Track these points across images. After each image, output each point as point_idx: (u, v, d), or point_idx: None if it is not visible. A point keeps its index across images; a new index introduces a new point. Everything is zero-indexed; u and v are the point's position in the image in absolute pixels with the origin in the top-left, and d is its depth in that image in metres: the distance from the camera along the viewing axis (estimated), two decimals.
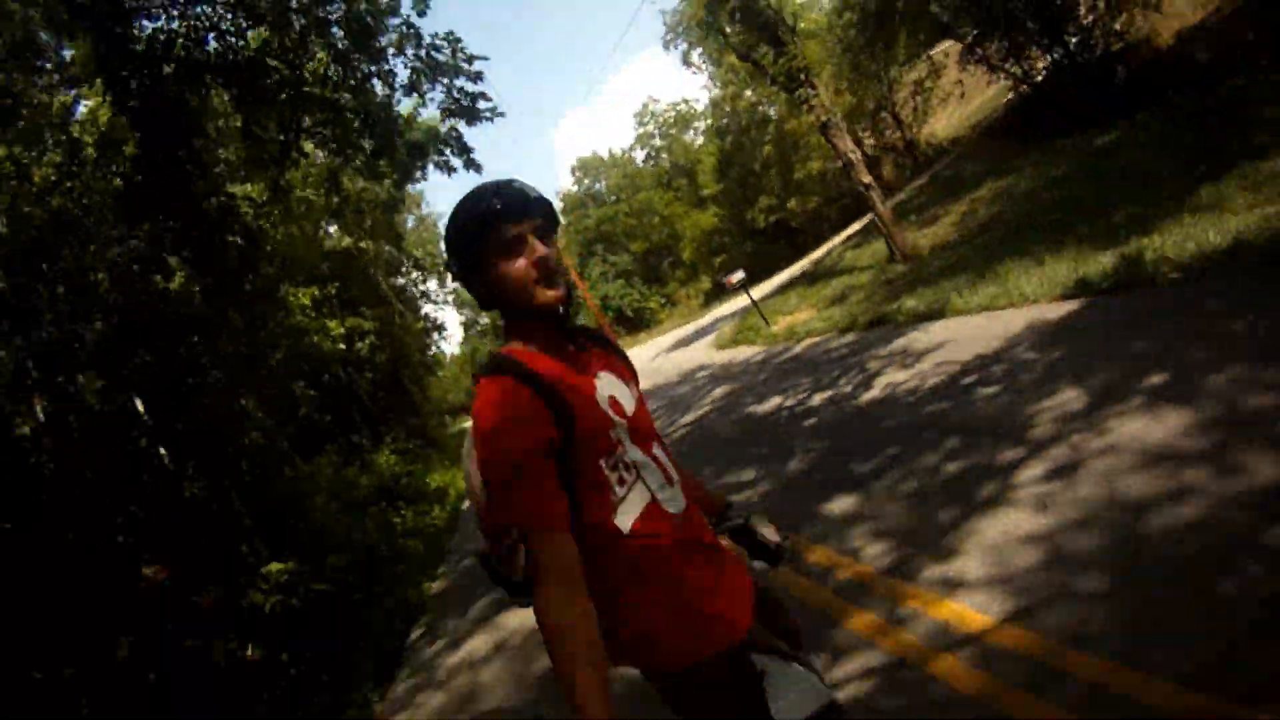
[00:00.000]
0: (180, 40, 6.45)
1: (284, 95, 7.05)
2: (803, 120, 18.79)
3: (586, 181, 40.26)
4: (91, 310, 6.48)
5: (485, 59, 7.87)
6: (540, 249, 1.10)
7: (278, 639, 5.61)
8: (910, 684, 1.93)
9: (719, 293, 26.89)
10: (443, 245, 8.98)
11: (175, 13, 6.62)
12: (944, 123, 19.91)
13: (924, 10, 13.58)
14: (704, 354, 13.14)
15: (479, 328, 53.66)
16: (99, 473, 6.21)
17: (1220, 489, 1.98)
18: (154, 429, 6.82)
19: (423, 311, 31.55)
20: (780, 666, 1.15)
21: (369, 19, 7.14)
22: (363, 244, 11.80)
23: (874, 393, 4.72)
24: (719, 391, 7.95)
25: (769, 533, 1.35)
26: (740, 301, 15.60)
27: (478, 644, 4.17)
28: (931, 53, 17.85)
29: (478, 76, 7.93)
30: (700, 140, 31.58)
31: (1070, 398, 3.00)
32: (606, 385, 1.19)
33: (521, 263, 1.09)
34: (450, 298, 38.64)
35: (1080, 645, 1.72)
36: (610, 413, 1.14)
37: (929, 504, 2.79)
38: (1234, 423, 2.28)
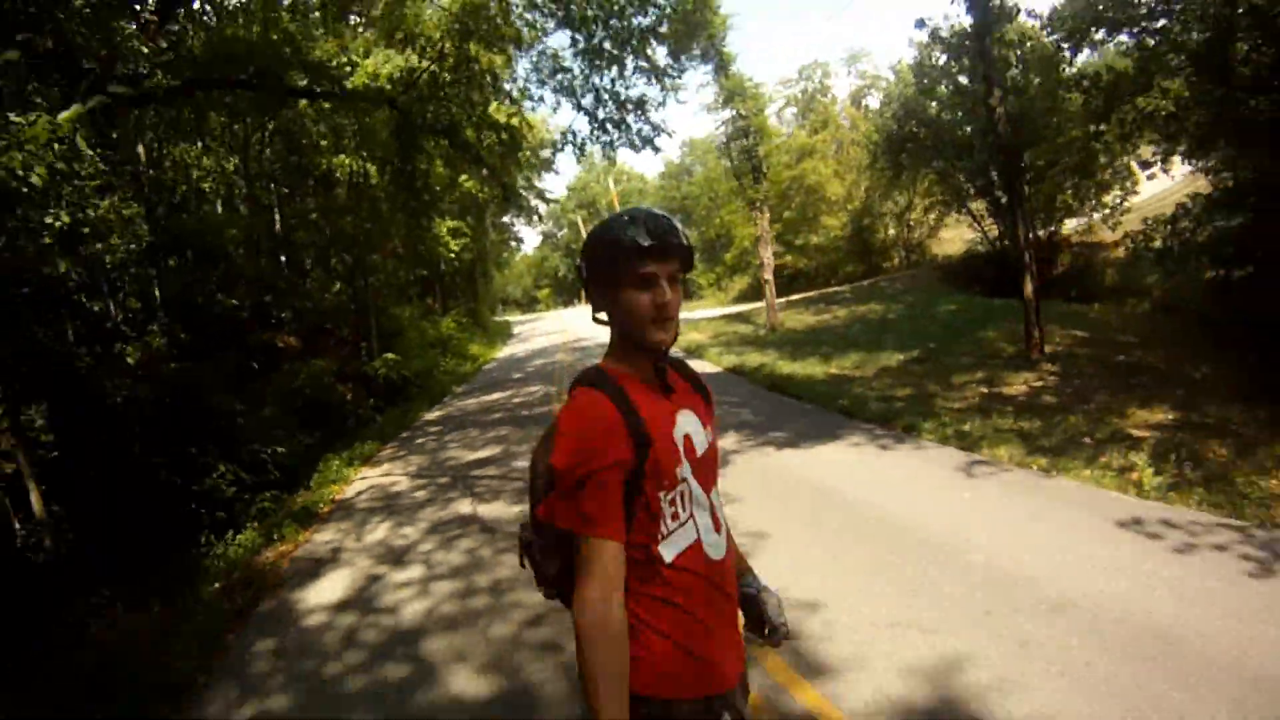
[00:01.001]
0: None
1: None
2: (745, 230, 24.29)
3: (689, 159, 45.81)
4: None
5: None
6: (668, 294, 1.15)
7: (382, 395, 12.44)
8: None
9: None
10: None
11: None
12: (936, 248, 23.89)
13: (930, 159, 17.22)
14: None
15: (554, 240, 60.06)
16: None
17: None
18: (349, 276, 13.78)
19: (506, 219, 38.27)
20: None
21: None
22: (483, 191, 17.78)
23: None
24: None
25: (773, 612, 1.36)
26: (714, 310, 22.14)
27: (469, 402, 10.88)
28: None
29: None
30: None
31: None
32: (685, 423, 1.23)
33: (647, 300, 1.15)
34: (534, 219, 44.91)
35: None
36: (682, 450, 1.20)
37: None
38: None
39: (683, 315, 1.23)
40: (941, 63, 14.66)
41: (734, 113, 14.31)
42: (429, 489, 5.89)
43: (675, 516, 1.18)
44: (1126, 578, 2.87)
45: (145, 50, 6.20)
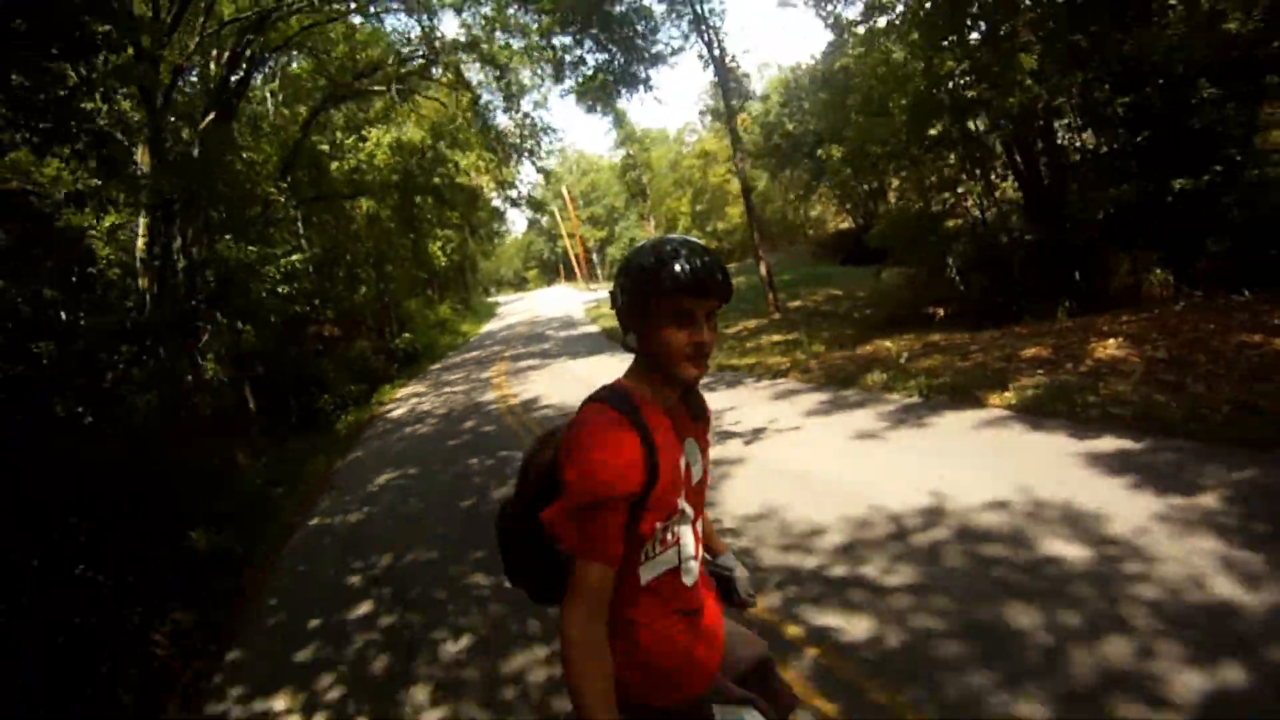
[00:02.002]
0: None
1: None
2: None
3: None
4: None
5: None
6: (704, 333, 1.16)
7: (402, 360, 19.16)
8: None
9: None
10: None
11: None
12: None
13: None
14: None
15: (539, 225, 66.30)
16: None
17: None
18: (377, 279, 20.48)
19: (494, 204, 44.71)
20: (733, 713, 1.32)
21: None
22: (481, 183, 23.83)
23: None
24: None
25: (743, 588, 1.49)
26: None
27: (455, 359, 17.56)
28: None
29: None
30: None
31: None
32: (689, 452, 1.26)
33: (684, 336, 1.15)
34: (521, 205, 51.08)
35: None
36: (683, 479, 1.23)
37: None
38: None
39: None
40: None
41: (626, 152, 20.77)
42: (431, 389, 12.63)
43: (664, 542, 1.21)
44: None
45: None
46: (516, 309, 34.29)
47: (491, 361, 14.77)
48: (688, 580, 1.26)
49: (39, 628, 3.50)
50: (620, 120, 20.50)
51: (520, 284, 69.97)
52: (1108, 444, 3.69)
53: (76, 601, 3.82)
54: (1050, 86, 7.47)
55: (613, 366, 10.29)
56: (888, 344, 7.89)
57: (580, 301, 27.88)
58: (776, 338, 11.01)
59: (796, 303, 15.13)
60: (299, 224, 14.80)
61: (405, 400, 12.26)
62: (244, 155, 12.08)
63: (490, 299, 49.55)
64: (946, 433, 4.50)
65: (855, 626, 2.56)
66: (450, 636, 3.26)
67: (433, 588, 3.85)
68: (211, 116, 10.38)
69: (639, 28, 13.80)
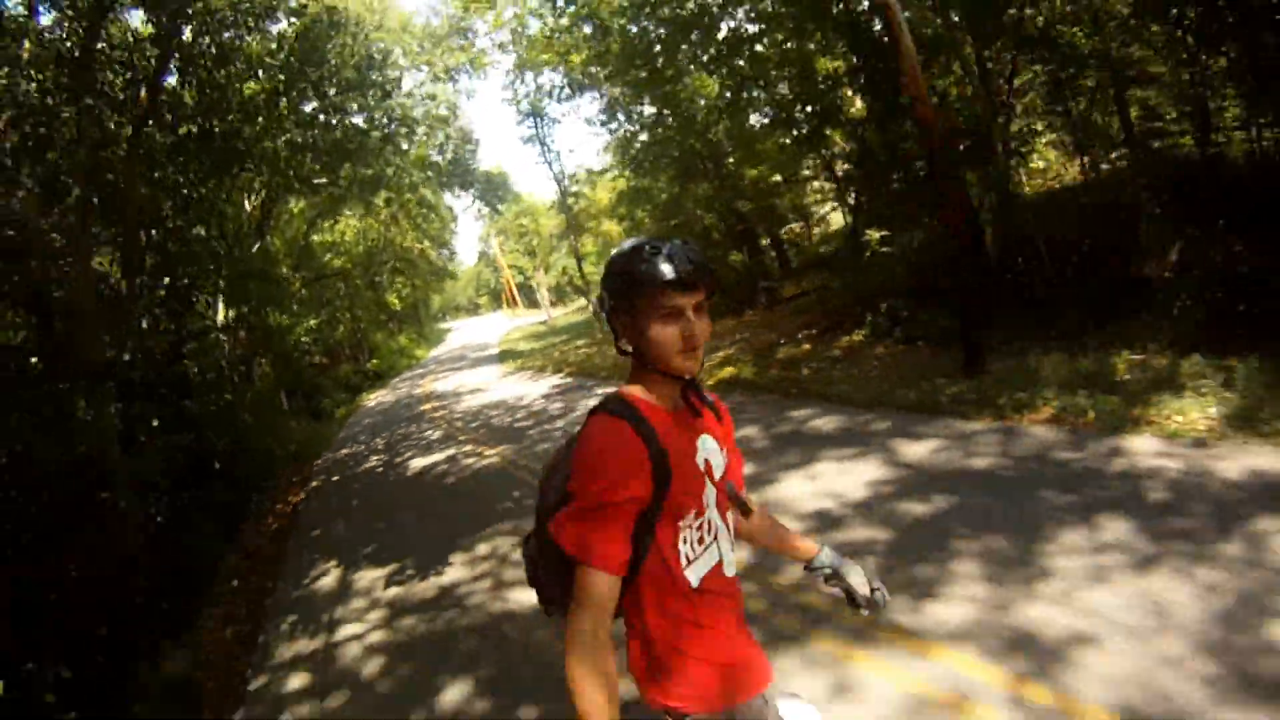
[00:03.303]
0: None
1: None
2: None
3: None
4: None
5: None
6: (694, 325, 1.16)
7: (374, 377, 27.89)
8: None
9: None
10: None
11: None
12: None
13: None
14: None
15: (486, 259, 75.09)
16: None
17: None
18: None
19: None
20: (793, 703, 1.31)
21: None
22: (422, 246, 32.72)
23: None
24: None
25: (858, 583, 1.42)
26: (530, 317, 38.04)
27: (409, 374, 26.43)
28: None
29: None
30: None
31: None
32: (706, 448, 1.27)
33: (674, 331, 1.16)
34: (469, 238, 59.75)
35: None
36: (704, 475, 1.24)
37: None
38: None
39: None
40: None
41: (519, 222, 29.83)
42: (394, 390, 21.48)
43: (701, 540, 1.23)
44: (523, 390, 18.63)
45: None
46: (458, 337, 43.09)
47: (428, 374, 23.65)
48: (729, 572, 1.29)
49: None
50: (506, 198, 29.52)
51: (474, 309, 78.70)
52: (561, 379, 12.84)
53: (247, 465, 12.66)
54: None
55: (486, 372, 19.24)
56: None
57: (502, 329, 36.93)
58: (582, 347, 20.11)
59: None
60: (303, 291, 23.42)
61: (375, 399, 21.07)
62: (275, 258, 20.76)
63: (444, 324, 58.36)
64: (573, 385, 13.63)
65: (494, 439, 11.60)
66: (404, 434, 12.18)
67: (394, 428, 12.76)
68: (258, 245, 19.14)
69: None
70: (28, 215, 5.30)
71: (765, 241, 17.91)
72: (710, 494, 1.25)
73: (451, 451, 9.25)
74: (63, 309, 5.35)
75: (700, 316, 1.18)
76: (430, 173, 22.69)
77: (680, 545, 1.21)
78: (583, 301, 30.66)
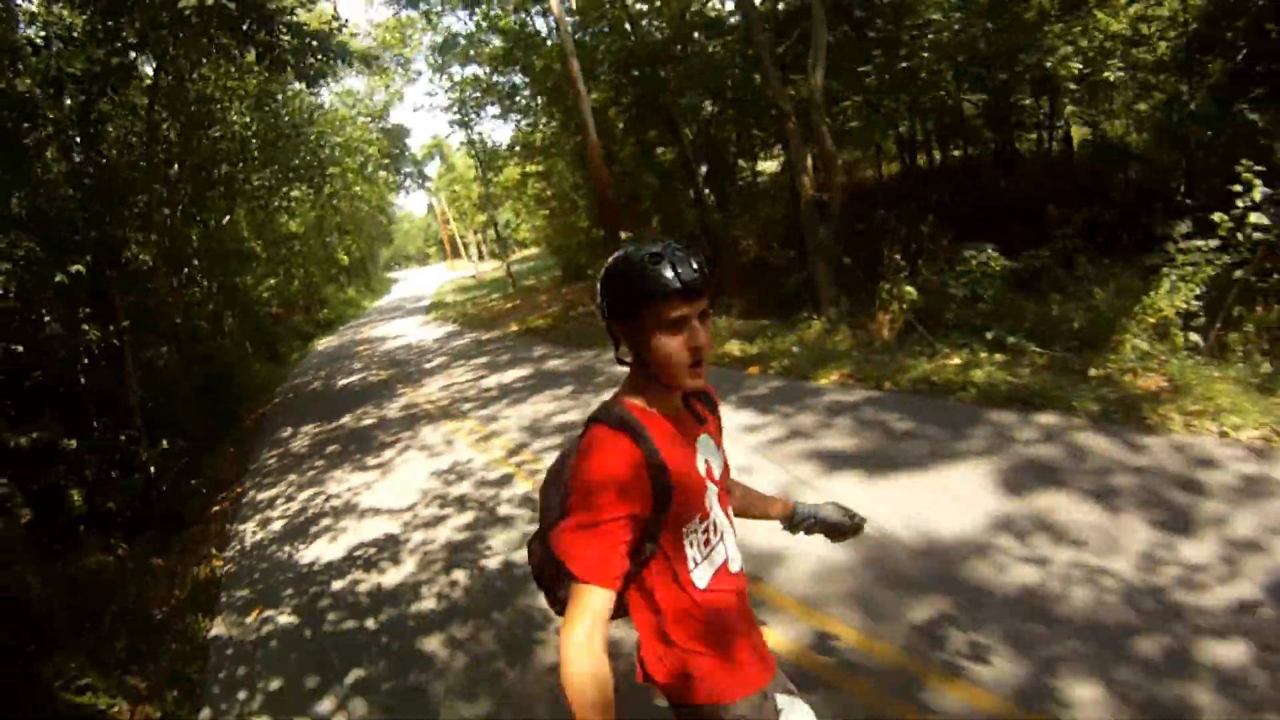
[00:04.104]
0: None
1: None
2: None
3: None
4: None
5: None
6: (699, 336, 1.15)
7: (321, 326, 32.88)
8: None
9: None
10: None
11: None
12: None
13: None
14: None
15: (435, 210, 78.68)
16: None
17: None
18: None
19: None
20: (791, 701, 1.32)
21: None
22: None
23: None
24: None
25: (837, 517, 1.56)
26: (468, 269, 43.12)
27: (356, 321, 31.49)
28: None
29: None
30: None
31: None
32: (704, 449, 1.29)
33: (678, 343, 1.14)
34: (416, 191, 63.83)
35: None
36: (705, 478, 1.25)
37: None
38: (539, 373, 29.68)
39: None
40: None
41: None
42: (340, 336, 26.62)
43: (706, 543, 1.24)
44: (424, 335, 23.92)
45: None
46: (402, 288, 47.77)
47: (368, 323, 28.75)
48: (735, 568, 1.30)
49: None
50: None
51: (424, 259, 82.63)
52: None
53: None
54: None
55: (411, 322, 24.36)
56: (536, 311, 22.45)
57: (439, 281, 41.86)
58: (490, 302, 25.39)
59: (530, 281, 29.56)
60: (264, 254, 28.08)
61: (324, 344, 26.17)
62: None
63: (393, 274, 62.78)
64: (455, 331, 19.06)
65: (388, 366, 17.03)
66: (339, 367, 17.53)
67: (335, 364, 18.11)
68: (228, 218, 23.80)
69: None
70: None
71: None
72: (712, 495, 1.27)
73: (363, 375, 14.67)
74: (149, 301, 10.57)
75: (704, 324, 1.16)
76: (364, 159, 27.31)
77: (687, 549, 1.23)
78: (498, 262, 35.76)
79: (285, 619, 4.47)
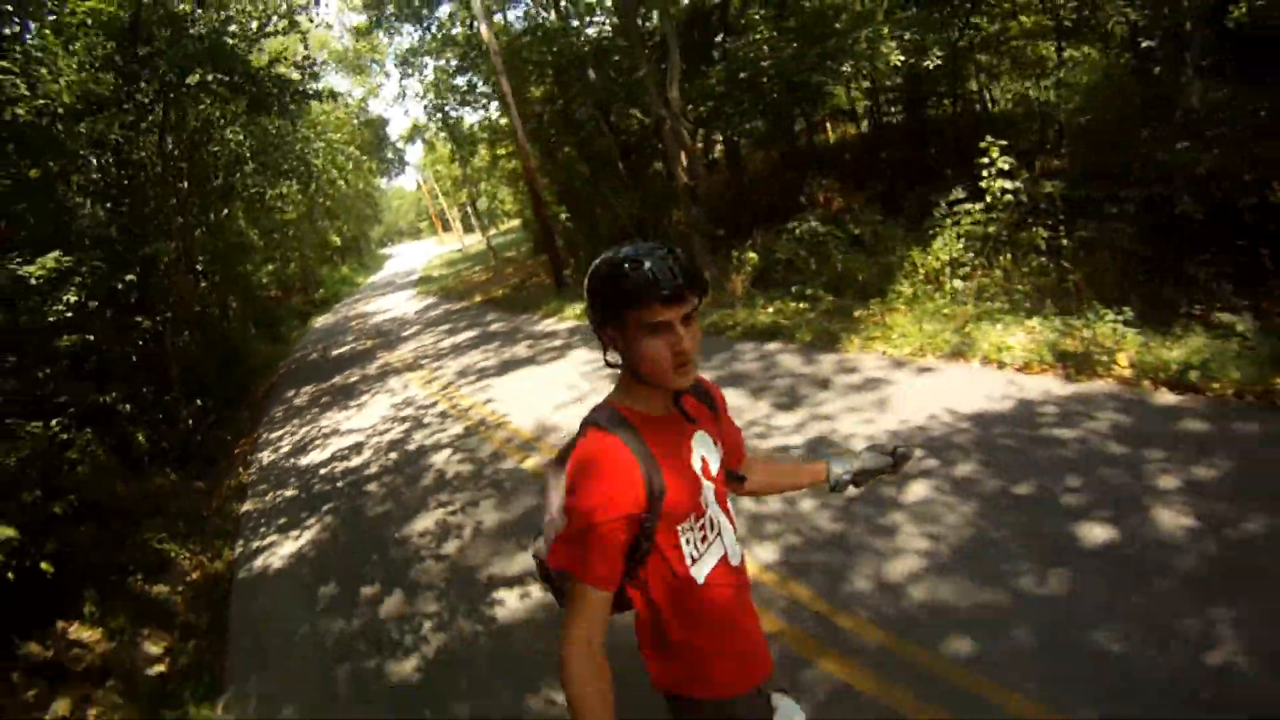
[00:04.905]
0: None
1: None
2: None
3: None
4: None
5: None
6: (684, 340, 1.16)
7: (317, 305, 35.58)
8: None
9: None
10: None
11: None
12: None
13: None
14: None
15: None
16: None
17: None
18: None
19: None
20: (784, 700, 1.35)
21: None
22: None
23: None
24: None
25: (877, 462, 1.58)
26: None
27: (351, 298, 34.18)
28: None
29: None
30: None
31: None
32: (699, 446, 1.31)
33: (662, 347, 1.16)
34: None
35: None
36: (700, 475, 1.28)
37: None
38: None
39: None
40: None
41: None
42: (335, 314, 29.30)
43: (704, 539, 1.26)
44: (410, 308, 26.57)
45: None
46: (395, 263, 50.29)
47: (361, 299, 31.37)
48: (735, 562, 1.33)
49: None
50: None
51: (416, 234, 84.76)
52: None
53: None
54: None
55: (400, 296, 26.99)
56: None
57: (428, 255, 44.33)
58: (472, 274, 27.91)
59: (511, 253, 32.01)
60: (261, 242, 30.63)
61: (321, 322, 28.82)
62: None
63: (386, 250, 65.26)
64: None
65: (375, 336, 19.75)
66: (335, 341, 20.26)
67: (331, 339, 20.84)
68: (225, 212, 26.31)
69: None
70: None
71: None
72: (708, 492, 1.29)
73: (353, 345, 17.38)
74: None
75: (690, 326, 1.18)
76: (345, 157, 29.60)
77: (683, 546, 1.25)
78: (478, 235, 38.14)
79: (289, 493, 7.25)
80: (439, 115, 29.22)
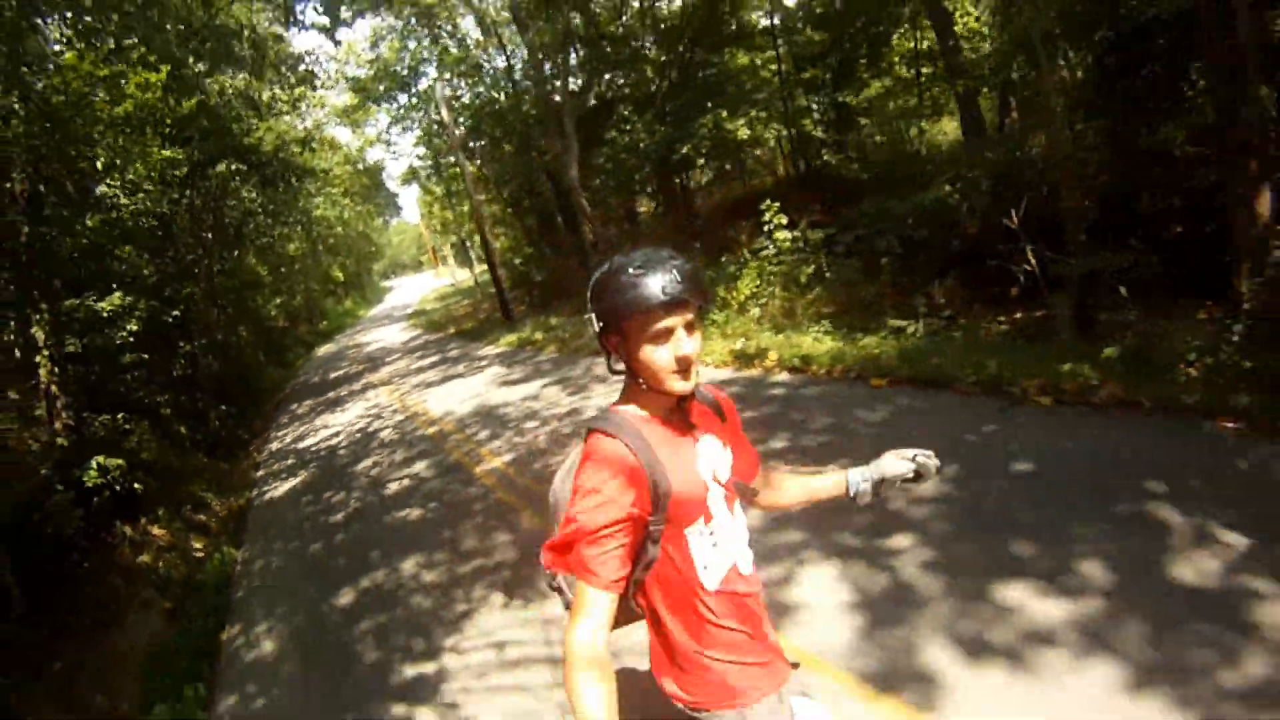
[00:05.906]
0: None
1: None
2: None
3: None
4: None
5: None
6: (685, 346, 1.18)
7: (321, 335, 39.22)
8: None
9: None
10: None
11: None
12: None
13: None
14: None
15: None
16: None
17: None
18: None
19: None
20: (806, 704, 1.35)
21: None
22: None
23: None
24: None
25: (901, 469, 1.44)
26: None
27: (353, 329, 37.76)
28: None
29: None
30: None
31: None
32: (707, 450, 1.30)
33: (665, 353, 1.17)
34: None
35: None
36: (708, 481, 1.27)
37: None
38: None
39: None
40: None
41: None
42: (336, 343, 32.84)
43: (714, 545, 1.26)
44: (398, 338, 30.12)
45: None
46: (394, 296, 54.05)
47: (360, 330, 34.93)
48: (746, 569, 1.32)
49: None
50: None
51: (418, 266, 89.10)
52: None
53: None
54: None
55: (394, 328, 30.52)
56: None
57: (425, 289, 48.11)
58: (459, 309, 31.41)
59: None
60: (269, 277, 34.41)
61: (324, 350, 32.24)
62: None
63: (387, 283, 69.38)
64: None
65: (364, 361, 23.23)
66: (333, 366, 23.71)
67: (335, 363, 24.30)
68: (236, 253, 30.04)
69: None
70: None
71: None
72: (716, 497, 1.29)
73: (346, 370, 20.80)
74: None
75: (691, 333, 1.19)
76: (341, 208, 33.53)
77: (692, 552, 1.25)
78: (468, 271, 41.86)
79: (289, 462, 10.61)
80: (429, 164, 33.16)
